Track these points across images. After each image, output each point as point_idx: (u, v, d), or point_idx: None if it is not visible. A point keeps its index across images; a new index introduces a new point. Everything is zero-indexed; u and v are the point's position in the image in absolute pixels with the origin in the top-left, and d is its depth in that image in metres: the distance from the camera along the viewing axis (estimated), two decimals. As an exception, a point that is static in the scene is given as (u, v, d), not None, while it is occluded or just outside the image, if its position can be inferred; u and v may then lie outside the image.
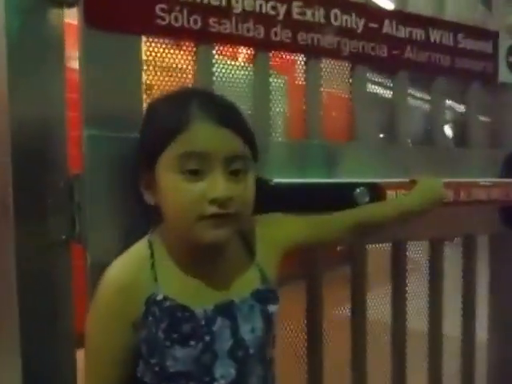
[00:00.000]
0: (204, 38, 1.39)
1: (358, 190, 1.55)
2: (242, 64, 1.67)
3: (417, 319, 2.04)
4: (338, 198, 1.53)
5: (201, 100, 0.93)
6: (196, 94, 0.98)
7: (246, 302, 1.00)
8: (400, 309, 1.87)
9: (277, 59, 1.70)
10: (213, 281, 0.99)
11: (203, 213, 0.88)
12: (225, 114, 0.93)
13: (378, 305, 2.33)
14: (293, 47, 1.61)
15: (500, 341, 2.31)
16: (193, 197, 0.88)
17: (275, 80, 1.70)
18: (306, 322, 1.69)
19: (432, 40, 1.88)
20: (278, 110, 1.75)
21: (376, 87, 1.94)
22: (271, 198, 1.30)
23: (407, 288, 1.93)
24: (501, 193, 1.81)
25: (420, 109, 2.47)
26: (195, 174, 0.88)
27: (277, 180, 1.47)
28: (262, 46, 1.55)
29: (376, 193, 1.59)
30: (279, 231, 1.17)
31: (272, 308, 1.03)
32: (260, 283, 1.04)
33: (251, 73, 1.57)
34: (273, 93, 1.63)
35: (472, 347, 2.14)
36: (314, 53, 1.66)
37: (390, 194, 1.61)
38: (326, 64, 1.76)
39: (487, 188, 1.81)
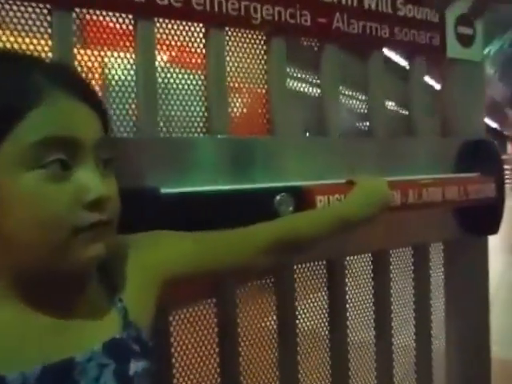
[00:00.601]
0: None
1: (278, 198, 1.19)
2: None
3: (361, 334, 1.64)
4: (252, 208, 1.13)
5: (47, 67, 0.70)
6: (36, 59, 0.75)
7: (94, 358, 0.66)
8: (339, 322, 1.48)
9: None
10: (52, 328, 0.67)
11: (79, 223, 0.62)
12: (82, 85, 0.70)
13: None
14: (186, 13, 1.19)
15: (457, 353, 1.96)
16: (63, 202, 0.61)
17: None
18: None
19: (366, 6, 1.48)
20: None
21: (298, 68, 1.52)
22: (158, 213, 1.01)
23: (349, 303, 1.60)
24: (457, 191, 1.44)
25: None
26: (61, 169, 0.61)
27: (168, 190, 1.06)
28: (143, 12, 1.12)
29: (302, 199, 1.21)
30: (156, 254, 0.84)
31: (136, 366, 0.69)
32: (120, 329, 0.72)
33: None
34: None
35: (428, 360, 1.78)
36: (214, 21, 1.25)
37: (321, 199, 1.22)
38: (233, 37, 1.34)
39: (441, 186, 1.44)
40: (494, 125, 21.86)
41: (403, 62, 1.65)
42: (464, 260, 1.82)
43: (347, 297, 1.57)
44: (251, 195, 1.18)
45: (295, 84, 1.51)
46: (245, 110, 1.41)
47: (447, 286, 1.90)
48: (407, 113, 1.63)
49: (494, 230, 1.67)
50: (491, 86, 16.09)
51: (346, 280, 1.54)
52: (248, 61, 1.38)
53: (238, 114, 1.36)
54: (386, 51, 1.59)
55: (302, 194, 1.21)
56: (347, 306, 1.59)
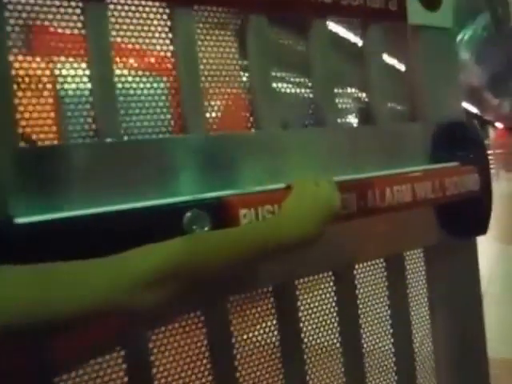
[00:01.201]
0: None
1: (188, 215, 0.87)
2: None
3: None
4: (153, 232, 0.80)
5: None
6: None
7: None
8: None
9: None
10: None
11: None
12: None
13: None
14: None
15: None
16: None
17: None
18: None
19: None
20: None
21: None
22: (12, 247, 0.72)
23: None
24: (431, 187, 1.12)
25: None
26: None
27: (25, 219, 0.75)
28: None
29: (221, 215, 0.88)
30: None
31: None
32: None
33: None
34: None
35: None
36: None
37: (246, 214, 0.90)
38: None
39: (410, 183, 1.12)
40: (473, 110, 21.72)
41: (354, 39, 1.33)
42: (449, 266, 1.50)
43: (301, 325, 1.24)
44: (148, 215, 0.85)
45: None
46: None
47: (431, 293, 1.58)
48: (365, 99, 1.30)
49: (482, 229, 1.35)
50: (468, 71, 15.93)
51: (302, 307, 1.21)
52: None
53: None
54: (332, 24, 1.27)
55: (221, 208, 0.88)
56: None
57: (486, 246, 5.55)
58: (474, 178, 1.27)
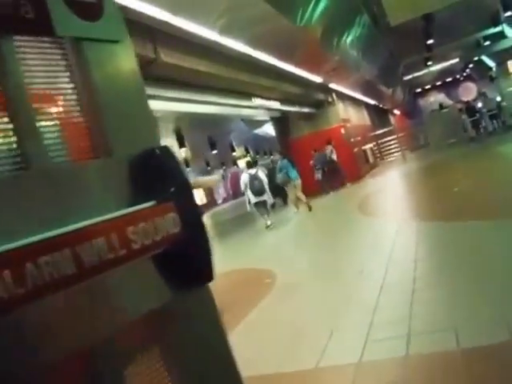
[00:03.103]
0: None
1: None
2: None
3: None
4: None
5: None
6: None
7: None
8: None
9: None
10: None
11: None
12: None
13: None
14: None
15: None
16: None
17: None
18: None
19: None
20: None
21: None
22: None
23: None
24: (105, 244, 0.75)
25: None
26: None
27: None
28: None
29: None
30: None
31: None
32: None
33: None
34: None
35: None
36: None
37: None
38: None
39: (66, 246, 0.75)
40: (372, 102, 22.33)
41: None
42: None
43: None
44: None
45: None
46: None
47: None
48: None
49: (202, 277, 1.02)
50: (361, 67, 16.27)
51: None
52: None
53: None
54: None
55: None
56: None
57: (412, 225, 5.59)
58: (170, 219, 0.94)
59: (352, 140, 15.88)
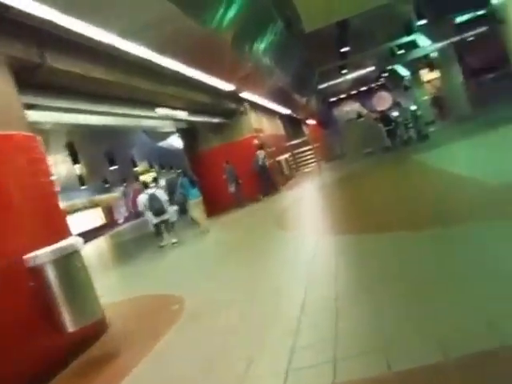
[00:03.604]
0: None
1: None
2: None
3: None
4: None
5: None
6: None
7: None
8: None
9: None
10: None
11: None
12: None
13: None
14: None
15: None
16: None
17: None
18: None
19: None
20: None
21: None
22: None
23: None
24: None
25: None
26: None
27: None
28: None
29: None
30: None
31: None
32: None
33: None
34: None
35: None
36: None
37: None
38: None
39: None
40: (287, 111, 22.81)
41: None
42: None
43: None
44: None
45: None
46: None
47: None
48: None
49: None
50: (275, 75, 16.54)
51: None
52: None
53: None
54: None
55: None
56: None
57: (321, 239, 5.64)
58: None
59: (267, 151, 16.12)
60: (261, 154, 14.74)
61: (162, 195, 10.02)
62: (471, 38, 21.92)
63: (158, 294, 5.94)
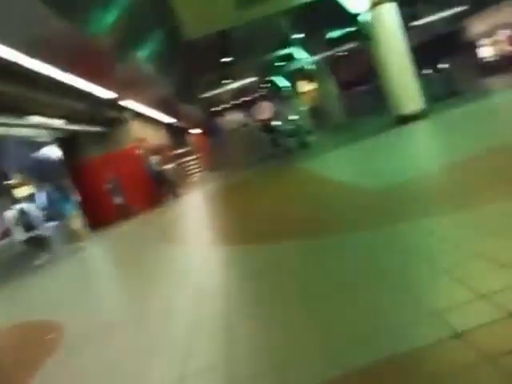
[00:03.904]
0: None
1: None
2: None
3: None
4: None
5: None
6: None
7: None
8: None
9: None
10: None
11: None
12: None
13: None
14: None
15: None
16: None
17: None
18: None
19: None
20: None
21: None
22: None
23: None
24: None
25: None
26: None
27: None
28: None
29: None
30: None
31: None
32: None
33: None
34: None
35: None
36: None
37: None
38: None
39: None
40: (171, 120, 22.47)
41: None
42: None
43: None
44: None
45: None
46: None
47: None
48: None
49: None
50: (158, 84, 16.18)
51: None
52: None
53: None
54: None
55: None
56: None
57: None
58: None
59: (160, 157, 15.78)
60: (154, 159, 14.48)
61: (34, 210, 9.49)
62: (343, 53, 23.28)
63: (32, 320, 5.35)
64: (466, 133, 8.22)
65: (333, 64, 25.49)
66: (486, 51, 23.77)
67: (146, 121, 18.12)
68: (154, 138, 19.00)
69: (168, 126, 23.46)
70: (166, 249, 7.11)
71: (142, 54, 13.49)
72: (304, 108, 27.80)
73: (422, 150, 8.82)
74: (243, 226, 6.89)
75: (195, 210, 11.65)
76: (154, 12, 13.36)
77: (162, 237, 8.28)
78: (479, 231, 3.26)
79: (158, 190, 14.53)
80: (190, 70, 20.85)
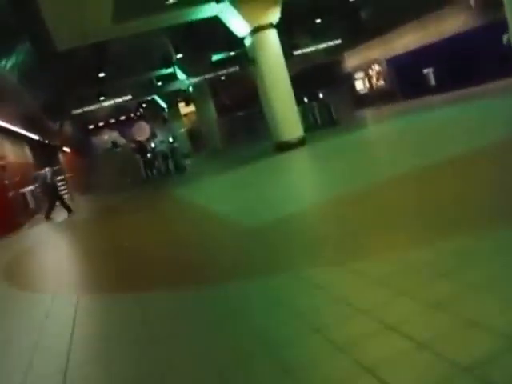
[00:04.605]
0: None
1: None
2: None
3: None
4: None
5: None
6: None
7: None
8: None
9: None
10: None
11: None
12: None
13: None
14: None
15: None
16: None
17: None
18: None
19: None
20: None
21: None
22: None
23: None
24: None
25: None
26: None
27: None
28: None
29: None
30: None
31: None
32: None
33: None
34: None
35: None
36: None
37: None
38: None
39: None
40: (37, 137, 20.40)
41: None
42: None
43: None
44: None
45: None
46: None
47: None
48: None
49: None
50: (22, 99, 14.45)
51: None
52: None
53: None
54: None
55: None
56: None
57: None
58: None
59: (7, 182, 13.77)
60: (49, 171, 13.14)
61: None
62: (224, 77, 23.00)
63: None
64: (338, 162, 8.55)
65: (215, 87, 25.17)
66: (360, 84, 25.03)
67: (7, 137, 16.17)
68: (16, 156, 17.05)
69: (34, 142, 21.34)
70: (8, 296, 5.64)
71: (7, 64, 11.97)
72: (182, 130, 27.11)
73: (299, 180, 8.77)
74: (110, 266, 5.84)
75: (52, 241, 10.09)
76: (18, 21, 11.96)
77: (6, 278, 6.56)
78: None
79: (50, 205, 13.26)
80: (61, 84, 19.18)
